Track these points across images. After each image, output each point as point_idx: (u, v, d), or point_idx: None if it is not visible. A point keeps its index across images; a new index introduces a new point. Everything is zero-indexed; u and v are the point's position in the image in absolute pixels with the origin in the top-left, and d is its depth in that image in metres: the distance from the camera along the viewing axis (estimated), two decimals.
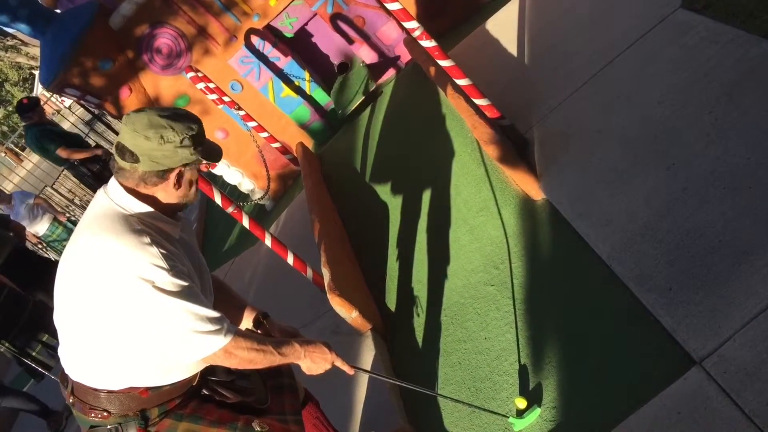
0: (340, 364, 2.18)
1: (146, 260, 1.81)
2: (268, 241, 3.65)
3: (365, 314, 3.38)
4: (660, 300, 2.28)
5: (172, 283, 1.84)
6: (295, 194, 5.70)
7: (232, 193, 6.82)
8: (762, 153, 2.39)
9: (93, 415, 1.98)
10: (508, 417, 2.44)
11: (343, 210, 4.75)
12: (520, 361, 2.63)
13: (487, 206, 3.38)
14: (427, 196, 3.95)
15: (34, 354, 6.46)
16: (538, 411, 2.41)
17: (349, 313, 3.31)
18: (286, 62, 5.54)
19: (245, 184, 6.09)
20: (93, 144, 9.03)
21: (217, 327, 1.89)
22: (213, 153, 2.00)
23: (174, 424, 2.03)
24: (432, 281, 3.45)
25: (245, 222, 3.61)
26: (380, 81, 5.57)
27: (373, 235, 4.21)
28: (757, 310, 2.04)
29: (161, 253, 1.84)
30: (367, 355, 3.27)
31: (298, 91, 5.67)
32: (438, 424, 2.76)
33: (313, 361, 2.11)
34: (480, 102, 3.33)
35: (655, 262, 2.40)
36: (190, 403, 2.07)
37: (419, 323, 3.33)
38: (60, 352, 2.04)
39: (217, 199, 3.46)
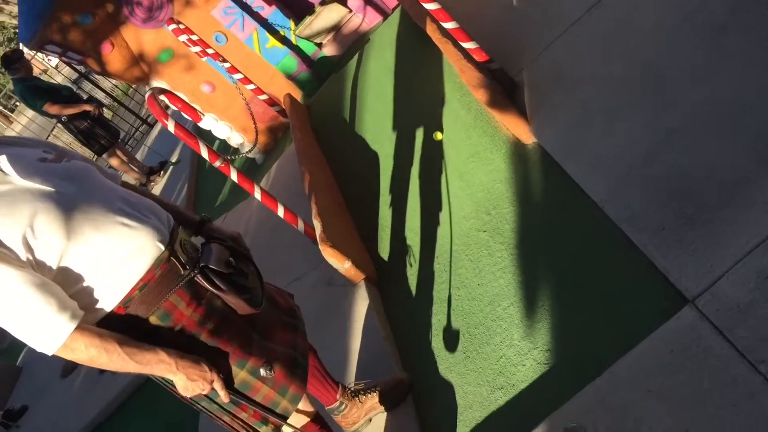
0: (219, 387, 1.87)
1: None
2: (257, 195, 3.61)
3: (358, 264, 3.37)
4: (653, 240, 2.27)
5: None
6: (285, 147, 5.65)
7: (224, 149, 6.75)
8: (749, 92, 2.34)
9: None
10: None
11: (333, 160, 4.71)
12: (513, 306, 2.63)
13: (477, 152, 3.34)
14: (416, 143, 3.91)
15: None
16: None
17: (341, 264, 3.30)
18: (270, 12, 5.42)
19: (234, 138, 6.03)
20: (86, 97, 8.87)
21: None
22: None
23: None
24: (424, 229, 3.43)
25: (233, 176, 3.57)
26: (368, 28, 5.46)
27: (363, 184, 4.18)
28: (749, 248, 2.02)
29: None
30: (361, 304, 3.27)
31: (284, 41, 5.56)
32: (433, 371, 2.77)
33: (189, 378, 1.80)
34: (467, 45, 3.27)
35: (647, 202, 2.37)
36: (207, 321, 1.89)
37: (412, 272, 3.32)
38: None
39: (204, 153, 3.41)
